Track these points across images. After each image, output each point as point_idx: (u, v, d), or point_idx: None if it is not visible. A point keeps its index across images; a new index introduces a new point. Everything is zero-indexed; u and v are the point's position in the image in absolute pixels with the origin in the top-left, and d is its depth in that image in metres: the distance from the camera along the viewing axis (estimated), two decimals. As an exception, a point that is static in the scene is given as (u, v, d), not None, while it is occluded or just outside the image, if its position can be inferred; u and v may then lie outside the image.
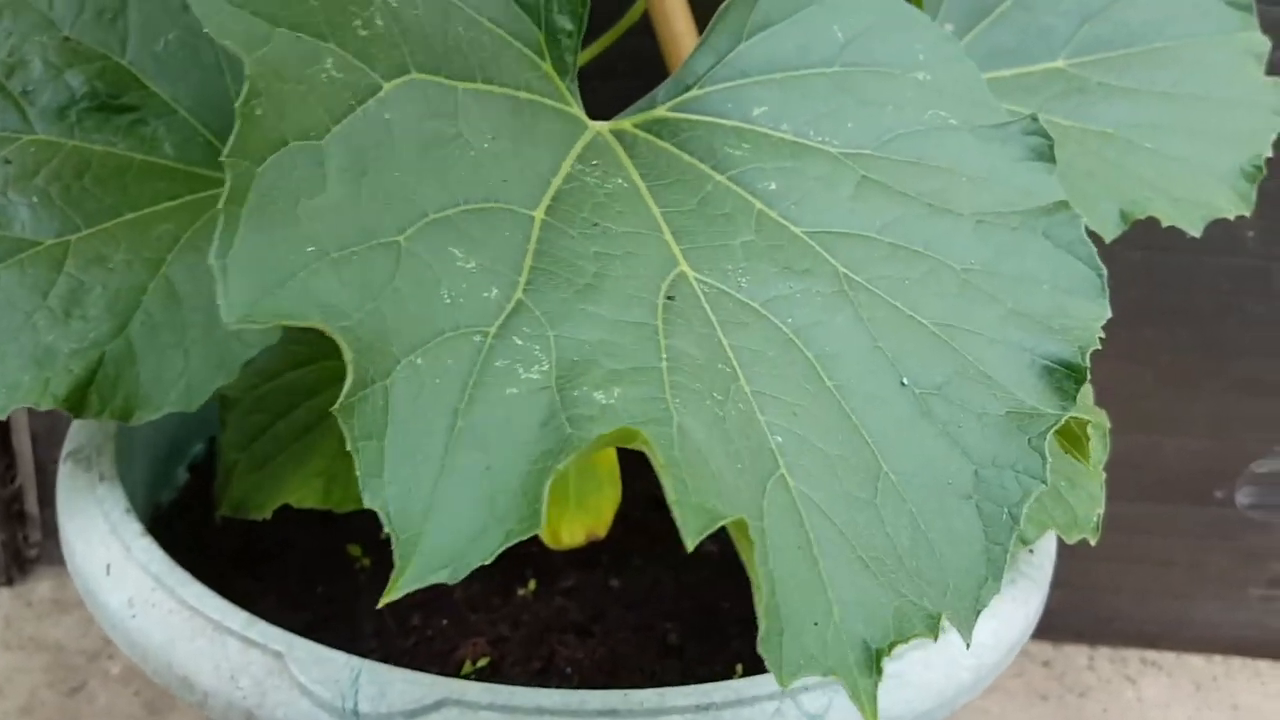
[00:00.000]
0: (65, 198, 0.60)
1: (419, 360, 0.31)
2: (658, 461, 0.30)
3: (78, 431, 0.63)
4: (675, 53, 0.59)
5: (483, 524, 0.30)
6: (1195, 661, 1.17)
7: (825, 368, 0.39)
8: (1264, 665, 1.18)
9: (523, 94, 0.44)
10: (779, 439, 0.36)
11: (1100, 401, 1.06)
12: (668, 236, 0.43)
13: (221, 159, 0.28)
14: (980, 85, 0.53)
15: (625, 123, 0.50)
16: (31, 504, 1.09)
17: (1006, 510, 0.37)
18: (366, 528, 0.66)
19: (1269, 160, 0.68)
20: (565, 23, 0.46)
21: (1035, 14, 0.71)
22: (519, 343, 0.34)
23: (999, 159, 0.50)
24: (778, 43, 0.51)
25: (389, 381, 0.30)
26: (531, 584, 0.66)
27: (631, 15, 0.72)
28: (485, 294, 0.35)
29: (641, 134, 0.50)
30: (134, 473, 0.66)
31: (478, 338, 0.33)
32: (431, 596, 0.65)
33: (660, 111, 0.50)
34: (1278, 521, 1.12)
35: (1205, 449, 1.09)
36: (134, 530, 0.57)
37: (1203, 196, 0.62)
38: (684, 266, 0.41)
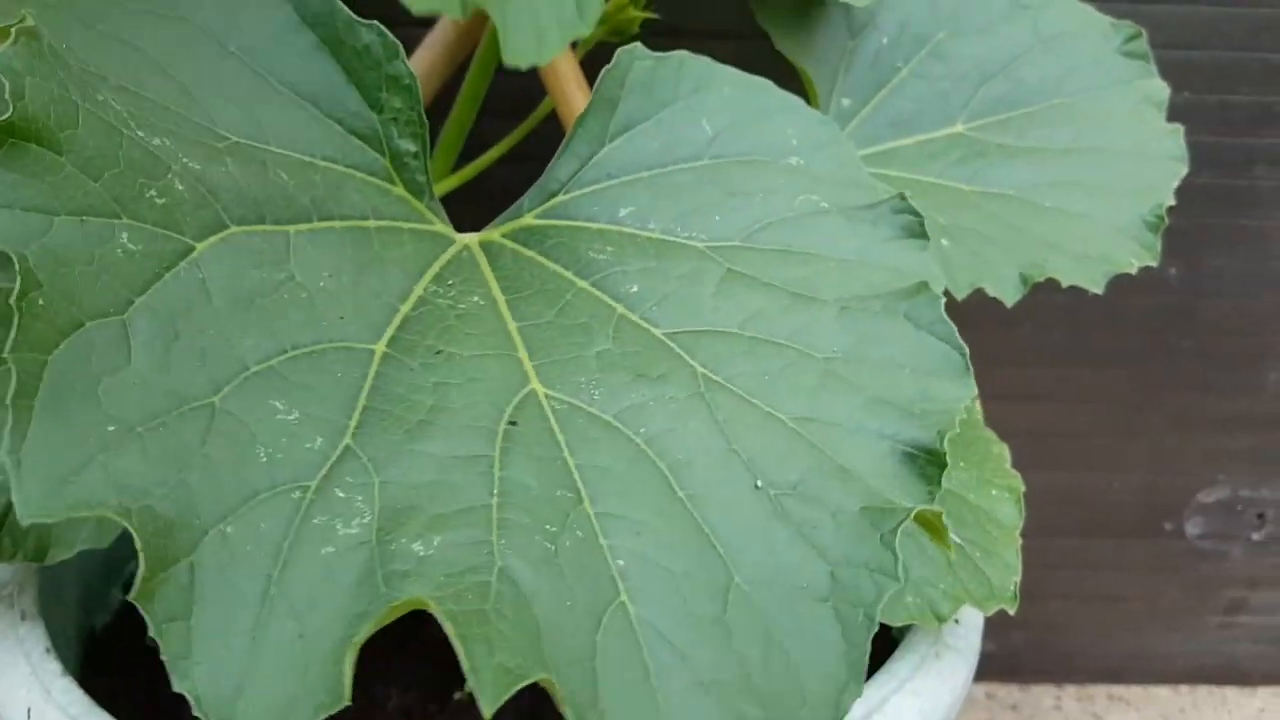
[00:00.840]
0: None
1: (229, 529, 0.31)
2: (448, 629, 0.30)
3: (2, 567, 0.63)
4: None
5: (293, 697, 0.29)
6: (1162, 693, 1.18)
7: (677, 477, 0.39)
8: (1230, 692, 1.19)
9: (370, 222, 0.45)
10: (621, 562, 0.36)
11: (1040, 443, 1.08)
12: (521, 354, 0.43)
13: (4, 355, 0.28)
14: (855, 165, 0.53)
15: (494, 233, 0.51)
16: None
17: (863, 611, 0.37)
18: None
19: (1185, 200, 0.69)
20: (408, 145, 0.47)
21: (932, 81, 0.71)
22: (341, 495, 0.34)
23: (869, 240, 0.50)
24: (643, 142, 0.52)
25: (194, 557, 0.30)
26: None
27: (544, 107, 0.73)
28: (308, 445, 0.35)
29: (509, 244, 0.50)
30: (64, 601, 0.65)
31: (296, 494, 0.33)
32: (365, 707, 0.64)
33: (527, 219, 0.51)
34: (1228, 550, 1.14)
35: (1150, 483, 1.11)
36: (53, 671, 0.56)
37: (1104, 251, 0.62)
38: (535, 384, 0.41)
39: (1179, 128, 0.70)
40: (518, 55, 0.51)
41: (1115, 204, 0.67)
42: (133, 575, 0.74)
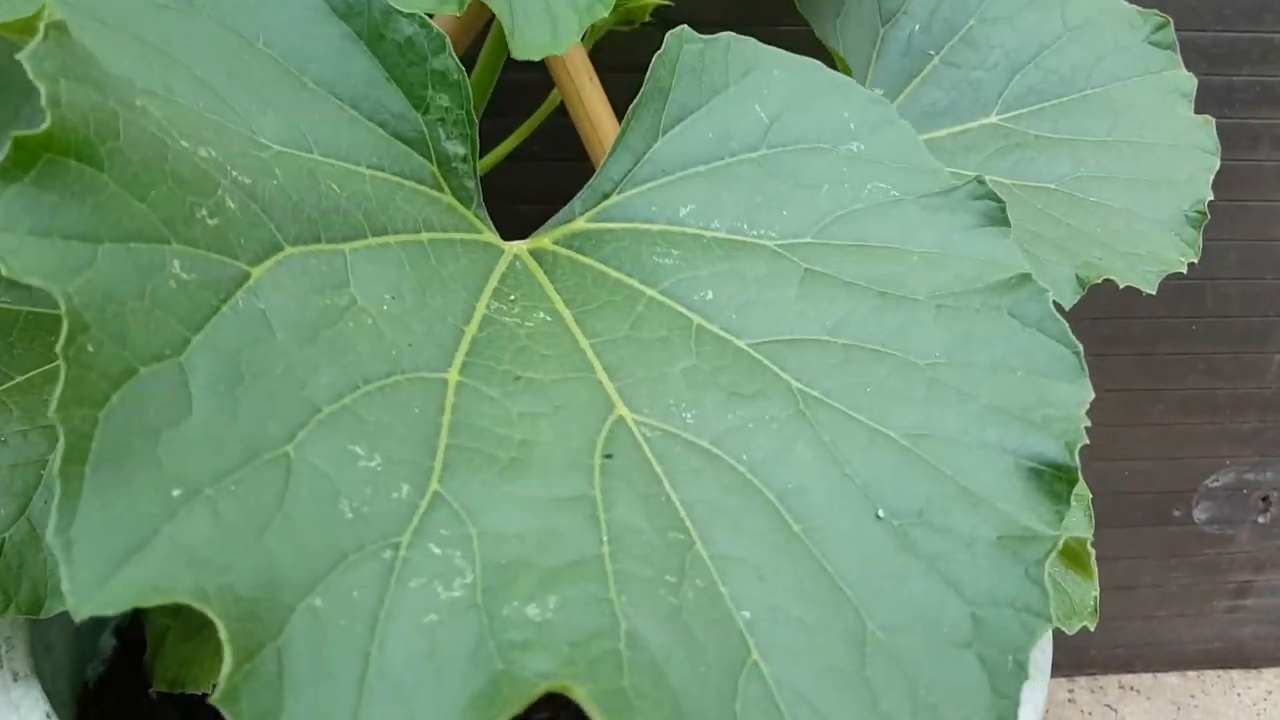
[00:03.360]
0: (-60, 367, 0.55)
1: (318, 601, 0.27)
2: (596, 716, 0.26)
3: (-15, 621, 0.58)
4: (599, 147, 0.55)
5: (409, 800, 0.25)
6: (1171, 680, 1.19)
7: (790, 509, 0.35)
8: (1236, 675, 1.20)
9: (424, 235, 0.40)
10: (747, 614, 0.32)
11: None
12: (600, 375, 0.39)
13: (50, 415, 0.24)
14: (917, 148, 0.50)
15: (544, 239, 0.46)
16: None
17: (1011, 657, 0.33)
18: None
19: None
20: (456, 147, 0.42)
21: (964, 70, 0.69)
22: (436, 551, 0.29)
23: (949, 229, 0.46)
24: (697, 133, 0.48)
25: (281, 640, 0.26)
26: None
27: (550, 102, 0.69)
28: (394, 494, 0.30)
29: (563, 251, 0.45)
30: (55, 654, 0.60)
31: (387, 553, 0.29)
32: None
33: (579, 224, 0.46)
34: (1235, 534, 1.15)
35: (1159, 471, 1.11)
36: (52, 737, 0.52)
37: (1152, 249, 0.59)
38: (621, 410, 0.37)
39: (1210, 119, 0.68)
40: (529, 47, 0.47)
41: (1156, 198, 0.65)
42: (124, 619, 0.69)
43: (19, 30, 0.30)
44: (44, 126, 0.26)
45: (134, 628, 0.67)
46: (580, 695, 0.26)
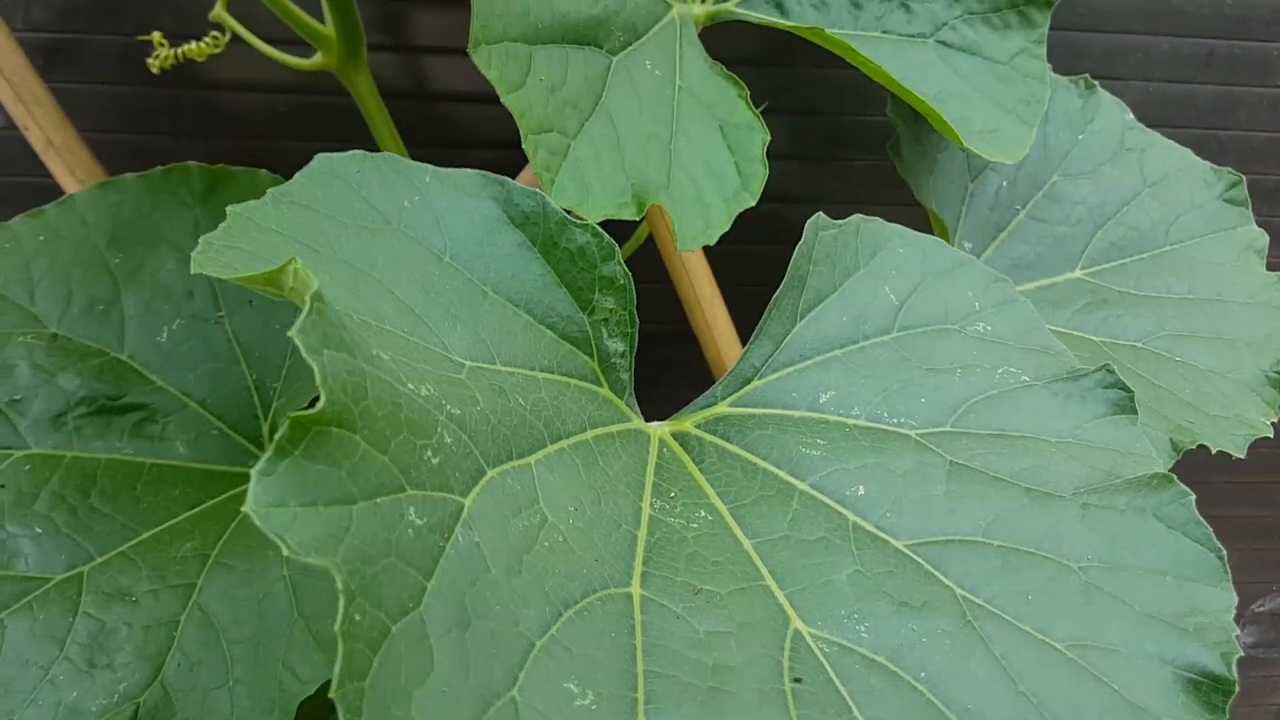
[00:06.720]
0: (72, 522, 0.54)
1: None
2: None
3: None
4: (717, 354, 0.56)
5: None
6: None
7: (974, 733, 0.36)
8: None
9: (589, 433, 0.41)
10: None
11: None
12: (769, 581, 0.39)
13: (330, 695, 0.24)
14: (1039, 327, 0.51)
15: (686, 423, 0.47)
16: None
17: None
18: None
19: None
20: (617, 345, 0.43)
21: (1049, 225, 0.71)
22: (661, 799, 0.30)
23: (1080, 418, 0.47)
24: (832, 317, 0.49)
25: None
26: None
27: (639, 236, 0.70)
28: (610, 735, 0.31)
29: (707, 437, 0.46)
30: None
31: (616, 805, 0.29)
32: None
33: (721, 408, 0.47)
34: (1278, 658, 1.14)
35: None
36: None
37: (1238, 411, 0.61)
38: (796, 622, 0.38)
39: None
40: (690, 239, 0.48)
41: (1238, 358, 0.67)
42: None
43: (263, 282, 0.31)
44: (319, 405, 0.27)
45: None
46: None
